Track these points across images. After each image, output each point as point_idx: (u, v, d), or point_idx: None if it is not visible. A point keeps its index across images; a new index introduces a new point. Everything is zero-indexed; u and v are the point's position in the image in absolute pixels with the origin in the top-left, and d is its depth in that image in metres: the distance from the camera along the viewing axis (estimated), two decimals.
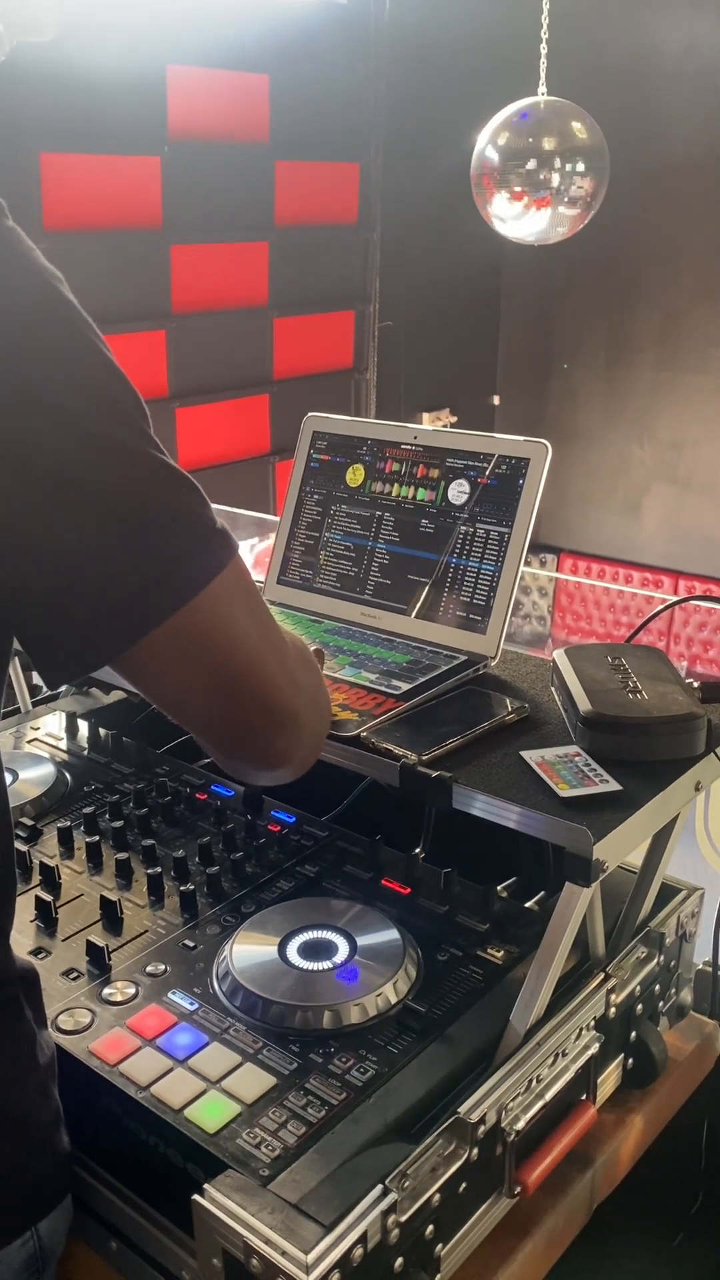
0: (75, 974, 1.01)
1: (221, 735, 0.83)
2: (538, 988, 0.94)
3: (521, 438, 1.22)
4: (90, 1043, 0.93)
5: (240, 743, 0.82)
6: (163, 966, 1.02)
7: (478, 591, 1.22)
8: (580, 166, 3.27)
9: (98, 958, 1.02)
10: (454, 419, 5.76)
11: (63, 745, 1.44)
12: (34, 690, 1.57)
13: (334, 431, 1.37)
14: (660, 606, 1.47)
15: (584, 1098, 1.00)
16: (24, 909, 1.09)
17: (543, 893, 1.13)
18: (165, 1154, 0.87)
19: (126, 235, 4.12)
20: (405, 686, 1.15)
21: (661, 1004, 1.14)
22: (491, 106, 3.37)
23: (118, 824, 1.21)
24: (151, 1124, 0.87)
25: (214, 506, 0.74)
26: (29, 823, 1.24)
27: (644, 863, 1.10)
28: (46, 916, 1.09)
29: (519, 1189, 0.92)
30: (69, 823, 1.23)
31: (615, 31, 5.10)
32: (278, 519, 1.41)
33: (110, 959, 1.02)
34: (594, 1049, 1.00)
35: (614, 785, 0.96)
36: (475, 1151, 0.87)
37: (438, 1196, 0.84)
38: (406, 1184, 0.81)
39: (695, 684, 1.11)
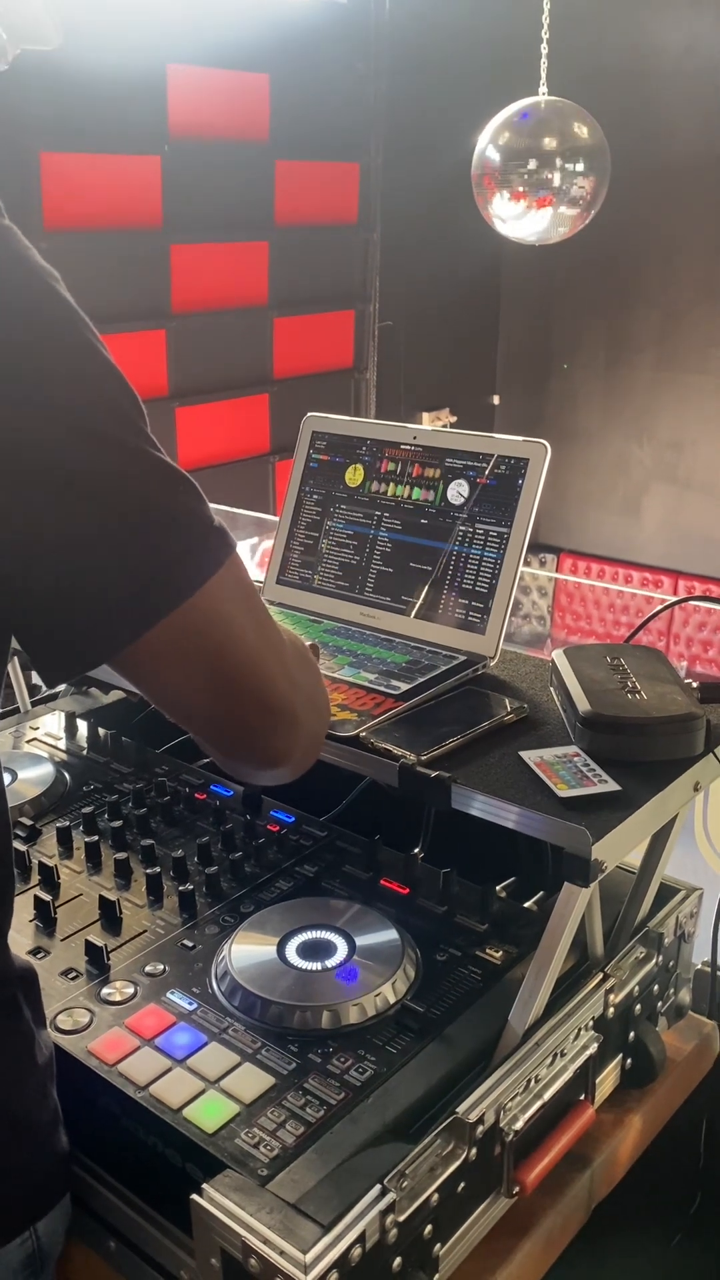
0: (74, 974, 1.01)
1: (220, 734, 0.83)
2: (536, 988, 0.94)
3: (520, 438, 1.22)
4: (89, 1042, 0.93)
5: (239, 742, 0.82)
6: (161, 966, 1.02)
7: (477, 591, 1.22)
8: (581, 166, 3.27)
9: (96, 957, 1.02)
10: (454, 419, 5.76)
11: (62, 745, 1.44)
12: (33, 690, 1.57)
13: (333, 431, 1.37)
14: (660, 607, 1.47)
15: (582, 1098, 1.00)
16: (23, 909, 1.09)
17: (541, 893, 1.13)
18: (164, 1154, 0.87)
19: (126, 235, 4.12)
20: (404, 686, 1.15)
21: (660, 1004, 1.14)
22: (492, 106, 3.37)
23: (117, 824, 1.21)
24: (150, 1124, 0.87)
25: (213, 506, 0.74)
26: (28, 822, 1.25)
27: (643, 863, 1.10)
28: (45, 916, 1.09)
29: (517, 1189, 0.92)
30: (68, 822, 1.23)
31: (615, 31, 5.10)
32: (277, 519, 1.41)
33: (109, 959, 1.02)
34: (592, 1049, 1.00)
35: (613, 785, 0.96)
36: (473, 1151, 0.87)
37: (436, 1196, 0.84)
38: (405, 1184, 0.81)
39: (694, 684, 1.11)
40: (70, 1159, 0.89)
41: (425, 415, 5.65)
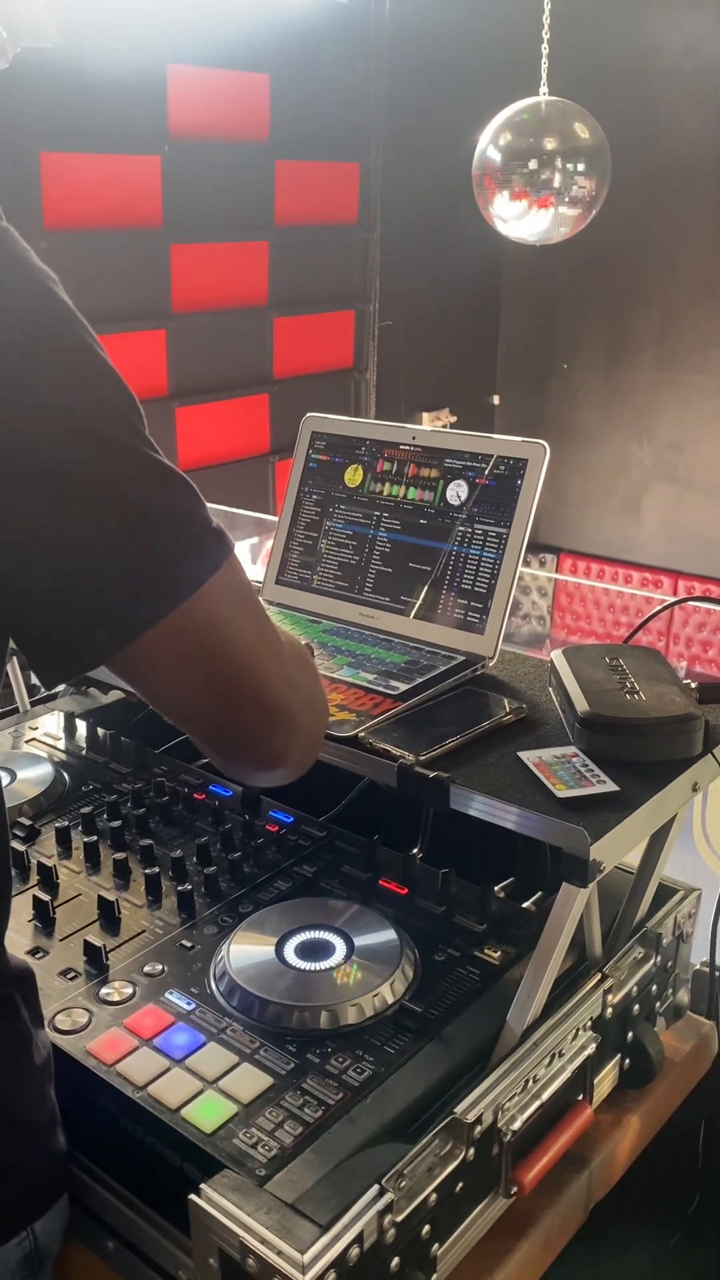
0: (73, 974, 1.01)
1: (218, 736, 0.83)
2: (535, 988, 0.94)
3: (519, 438, 1.22)
4: (87, 1042, 0.93)
5: (237, 743, 0.82)
6: (160, 966, 1.02)
7: (476, 592, 1.22)
8: (582, 166, 3.27)
9: (95, 958, 1.02)
10: (454, 419, 5.76)
11: (61, 745, 1.44)
12: (32, 690, 1.57)
13: (333, 432, 1.37)
14: (659, 607, 1.47)
15: (581, 1098, 1.00)
16: (21, 909, 1.09)
17: (540, 893, 1.13)
18: (162, 1154, 0.87)
19: (126, 234, 4.12)
20: (403, 687, 1.15)
21: (658, 1004, 1.14)
22: (492, 106, 3.37)
23: (115, 824, 1.21)
24: (148, 1124, 0.87)
25: (213, 506, 0.74)
26: (27, 822, 1.25)
27: (641, 863, 1.10)
28: (44, 916, 1.09)
29: (515, 1189, 0.92)
30: (67, 822, 1.24)
31: (615, 31, 5.10)
32: (277, 519, 1.41)
33: (108, 959, 1.02)
34: (591, 1049, 1.00)
35: (611, 786, 0.97)
36: (472, 1151, 0.87)
37: (434, 1196, 0.84)
38: (403, 1184, 0.81)
39: (693, 684, 1.11)
40: (68, 1159, 0.89)
41: (425, 415, 5.65)
